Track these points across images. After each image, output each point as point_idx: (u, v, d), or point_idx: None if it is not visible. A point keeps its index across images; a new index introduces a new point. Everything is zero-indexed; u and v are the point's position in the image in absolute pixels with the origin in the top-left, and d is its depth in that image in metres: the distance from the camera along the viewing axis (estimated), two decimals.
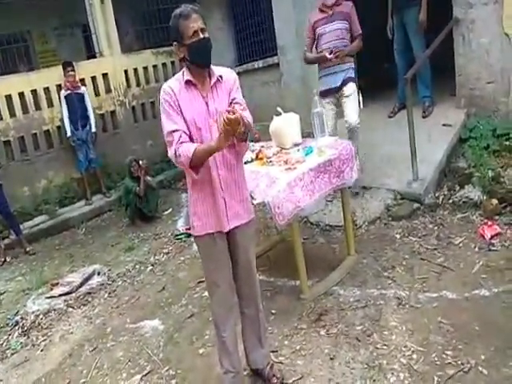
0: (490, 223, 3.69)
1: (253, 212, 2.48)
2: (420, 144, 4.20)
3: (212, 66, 2.28)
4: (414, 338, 2.70)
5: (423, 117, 5.08)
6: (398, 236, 3.86)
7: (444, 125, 4.83)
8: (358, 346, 2.73)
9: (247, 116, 2.19)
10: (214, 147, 2.09)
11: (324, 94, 4.46)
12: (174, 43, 2.24)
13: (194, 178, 2.22)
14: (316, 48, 4.49)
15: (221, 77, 2.29)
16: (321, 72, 4.50)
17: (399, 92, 5.34)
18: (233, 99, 2.28)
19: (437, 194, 4.27)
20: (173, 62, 7.99)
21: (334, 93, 4.43)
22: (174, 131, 2.19)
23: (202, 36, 2.18)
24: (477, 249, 3.49)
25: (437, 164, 4.37)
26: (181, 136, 2.18)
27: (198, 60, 2.24)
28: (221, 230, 2.33)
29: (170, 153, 2.20)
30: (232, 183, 2.33)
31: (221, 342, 2.50)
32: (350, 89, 4.35)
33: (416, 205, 4.16)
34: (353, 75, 4.41)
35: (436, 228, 3.89)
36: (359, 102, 4.49)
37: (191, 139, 2.22)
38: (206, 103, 2.25)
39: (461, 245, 3.59)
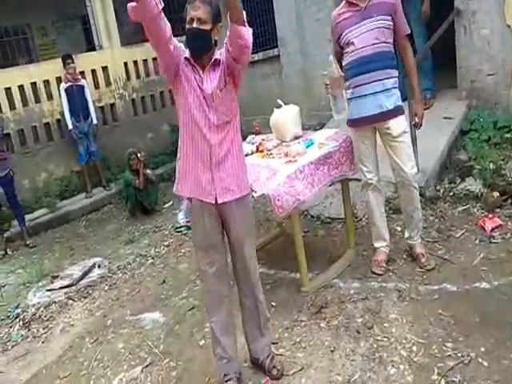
0: (490, 216, 3.69)
1: (248, 187, 2.49)
2: (421, 136, 4.18)
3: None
4: (414, 330, 2.70)
5: (424, 109, 5.04)
6: (398, 228, 3.84)
7: (445, 117, 4.81)
8: (358, 338, 2.74)
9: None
10: None
11: (354, 125, 3.22)
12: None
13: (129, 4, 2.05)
14: (341, 59, 3.14)
15: (219, 60, 2.29)
16: (350, 91, 3.11)
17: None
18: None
19: (437, 187, 4.25)
20: None
21: (369, 123, 3.11)
22: None
23: (193, 25, 2.19)
24: (477, 241, 3.48)
25: (438, 157, 4.36)
26: None
27: (190, 47, 2.27)
28: (204, 199, 2.34)
29: None
30: (227, 158, 2.33)
31: (210, 329, 2.53)
32: (400, 125, 3.08)
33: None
34: (400, 101, 3.11)
35: (437, 220, 3.88)
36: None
37: (185, 119, 2.29)
38: (202, 83, 2.27)
39: (461, 237, 3.58)
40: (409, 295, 3.02)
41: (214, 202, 2.34)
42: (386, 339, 2.67)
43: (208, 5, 2.19)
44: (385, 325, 2.80)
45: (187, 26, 2.22)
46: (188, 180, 2.37)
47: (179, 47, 2.25)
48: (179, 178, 2.43)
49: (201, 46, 2.25)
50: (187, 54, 2.29)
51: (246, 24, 2.16)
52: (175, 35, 2.21)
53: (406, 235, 3.41)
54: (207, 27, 2.20)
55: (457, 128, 4.68)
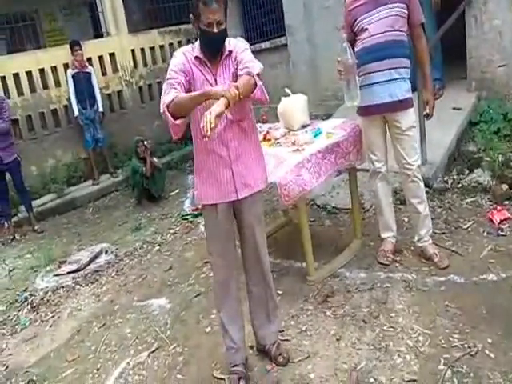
0: (499, 208, 3.67)
1: (266, 180, 2.49)
2: (429, 127, 4.15)
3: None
4: (421, 320, 2.70)
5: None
6: (405, 219, 3.83)
7: (454, 108, 4.77)
8: (364, 327, 2.74)
9: (255, 67, 2.19)
10: (200, 99, 2.03)
11: (364, 113, 3.21)
12: (191, 15, 2.21)
13: (172, 122, 2.08)
14: (353, 46, 3.05)
15: (230, 52, 2.27)
16: (361, 78, 3.06)
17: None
18: (237, 62, 2.24)
19: (446, 178, 4.23)
20: (180, 42, 7.92)
21: (380, 111, 3.09)
22: (170, 86, 2.15)
23: (215, 30, 2.14)
24: (485, 233, 3.47)
25: (446, 148, 4.33)
26: (173, 85, 2.14)
27: (206, 49, 2.24)
28: (225, 200, 2.34)
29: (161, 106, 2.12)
30: (244, 152, 2.33)
31: (219, 320, 2.56)
32: (410, 119, 3.06)
33: (425, 189, 4.12)
34: (410, 92, 3.09)
35: (444, 212, 3.87)
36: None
37: (199, 118, 2.19)
38: (215, 80, 2.24)
39: (469, 229, 3.57)
40: (416, 286, 3.02)
41: (236, 199, 2.34)
42: (392, 329, 2.68)
43: (222, 3, 2.13)
44: (391, 315, 2.80)
45: (206, 29, 2.14)
46: (208, 185, 2.34)
47: (183, 70, 2.21)
48: (199, 187, 2.39)
49: (220, 47, 2.24)
50: (196, 52, 2.25)
51: (258, 80, 2.15)
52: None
53: (416, 238, 3.32)
54: (225, 26, 2.18)
55: (466, 119, 4.64)
